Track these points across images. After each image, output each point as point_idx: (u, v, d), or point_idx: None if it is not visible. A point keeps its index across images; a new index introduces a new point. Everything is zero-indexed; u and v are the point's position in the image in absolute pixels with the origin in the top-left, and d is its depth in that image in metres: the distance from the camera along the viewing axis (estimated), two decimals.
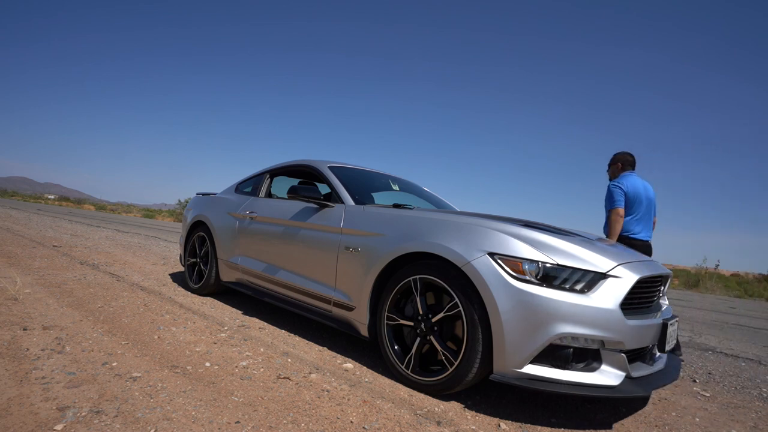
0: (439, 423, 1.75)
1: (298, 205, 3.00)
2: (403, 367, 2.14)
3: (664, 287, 2.32)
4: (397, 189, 3.57)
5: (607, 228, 3.25)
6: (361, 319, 2.38)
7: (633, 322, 1.82)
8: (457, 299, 1.94)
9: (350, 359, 2.49)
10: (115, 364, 2.03)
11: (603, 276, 1.83)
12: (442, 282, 2.01)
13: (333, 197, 2.86)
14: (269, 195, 3.69)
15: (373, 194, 3.32)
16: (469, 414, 1.88)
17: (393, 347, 2.21)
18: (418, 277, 2.11)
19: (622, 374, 1.81)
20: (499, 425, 1.79)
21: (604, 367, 1.81)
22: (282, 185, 3.72)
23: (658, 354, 2.13)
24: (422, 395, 2.03)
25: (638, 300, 2.00)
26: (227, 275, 3.59)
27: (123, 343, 2.34)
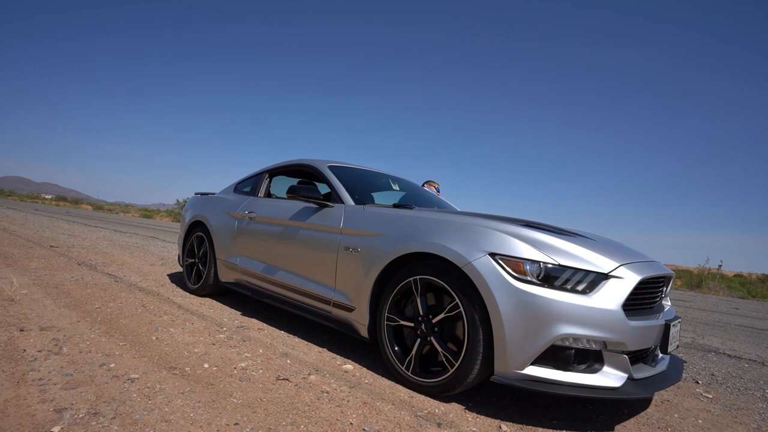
0: (439, 425, 1.74)
1: (298, 205, 2.98)
2: (403, 369, 2.12)
3: (667, 288, 2.31)
4: (398, 189, 3.55)
5: None
6: (360, 320, 2.37)
7: (635, 323, 1.81)
8: (457, 300, 1.93)
9: (350, 360, 2.47)
10: (112, 365, 2.01)
11: (605, 276, 1.82)
12: (442, 282, 1.99)
13: (333, 197, 2.84)
14: (268, 195, 3.68)
15: (373, 194, 3.30)
16: (470, 416, 1.87)
17: (393, 348, 2.20)
18: (418, 277, 2.10)
19: (624, 376, 1.79)
20: (500, 427, 1.78)
21: (606, 368, 1.79)
22: (281, 185, 3.70)
23: (660, 355, 2.11)
24: (423, 397, 2.02)
25: (640, 301, 1.99)
26: (226, 276, 3.57)
27: (121, 344, 2.32)
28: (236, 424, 1.58)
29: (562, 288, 1.79)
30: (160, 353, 2.24)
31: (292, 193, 2.76)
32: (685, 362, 3.06)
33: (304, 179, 3.54)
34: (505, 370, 1.79)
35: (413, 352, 2.09)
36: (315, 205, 2.83)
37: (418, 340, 2.09)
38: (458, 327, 2.00)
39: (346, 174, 3.11)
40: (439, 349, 1.99)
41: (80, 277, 4.06)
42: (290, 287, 2.86)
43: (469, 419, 1.83)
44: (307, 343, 2.74)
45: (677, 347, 2.14)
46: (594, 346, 1.76)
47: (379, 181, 3.52)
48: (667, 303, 2.31)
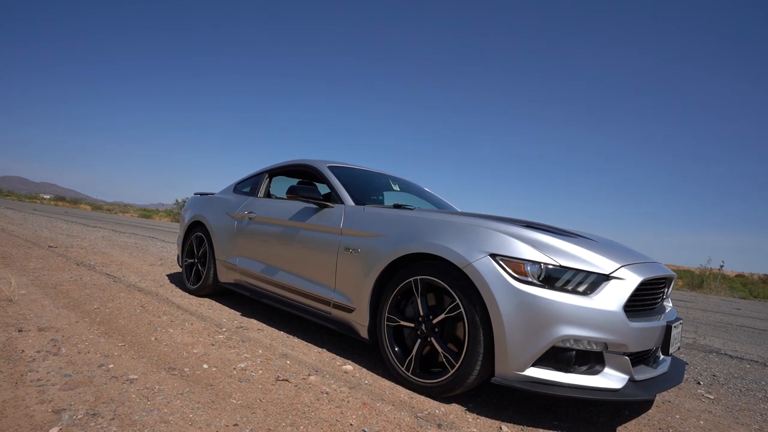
0: (440, 426, 1.73)
1: (298, 205, 2.97)
2: (403, 369, 2.12)
3: (668, 289, 2.30)
4: (398, 189, 3.54)
5: None
6: (360, 320, 2.36)
7: (636, 325, 1.80)
8: (458, 300, 1.92)
9: (350, 361, 2.46)
10: (111, 366, 2.00)
11: (606, 277, 1.82)
12: (443, 283, 1.99)
13: (333, 197, 2.84)
14: (268, 195, 3.67)
15: (372, 195, 3.30)
16: (471, 417, 1.86)
17: (393, 349, 2.19)
18: (419, 278, 2.09)
19: (626, 377, 1.79)
20: (501, 428, 1.77)
21: (607, 370, 1.79)
22: (281, 185, 3.69)
23: (662, 357, 2.11)
24: (423, 397, 2.01)
25: (642, 302, 1.98)
26: (225, 276, 3.56)
27: (120, 344, 2.31)
28: (235, 425, 1.57)
29: (563, 289, 1.78)
30: (159, 354, 2.23)
31: (292, 193, 2.75)
32: (687, 364, 3.06)
33: (304, 179, 3.54)
34: (506, 371, 1.78)
35: (413, 352, 2.09)
36: (315, 206, 2.83)
37: (419, 340, 2.08)
38: (459, 328, 1.99)
39: (346, 174, 3.10)
40: (440, 349, 1.99)
41: (79, 278, 4.05)
42: (290, 288, 2.85)
43: (470, 420, 1.82)
44: (306, 343, 2.74)
45: (679, 348, 2.14)
46: (595, 347, 1.76)
47: (379, 182, 3.52)
48: (668, 304, 2.30)
